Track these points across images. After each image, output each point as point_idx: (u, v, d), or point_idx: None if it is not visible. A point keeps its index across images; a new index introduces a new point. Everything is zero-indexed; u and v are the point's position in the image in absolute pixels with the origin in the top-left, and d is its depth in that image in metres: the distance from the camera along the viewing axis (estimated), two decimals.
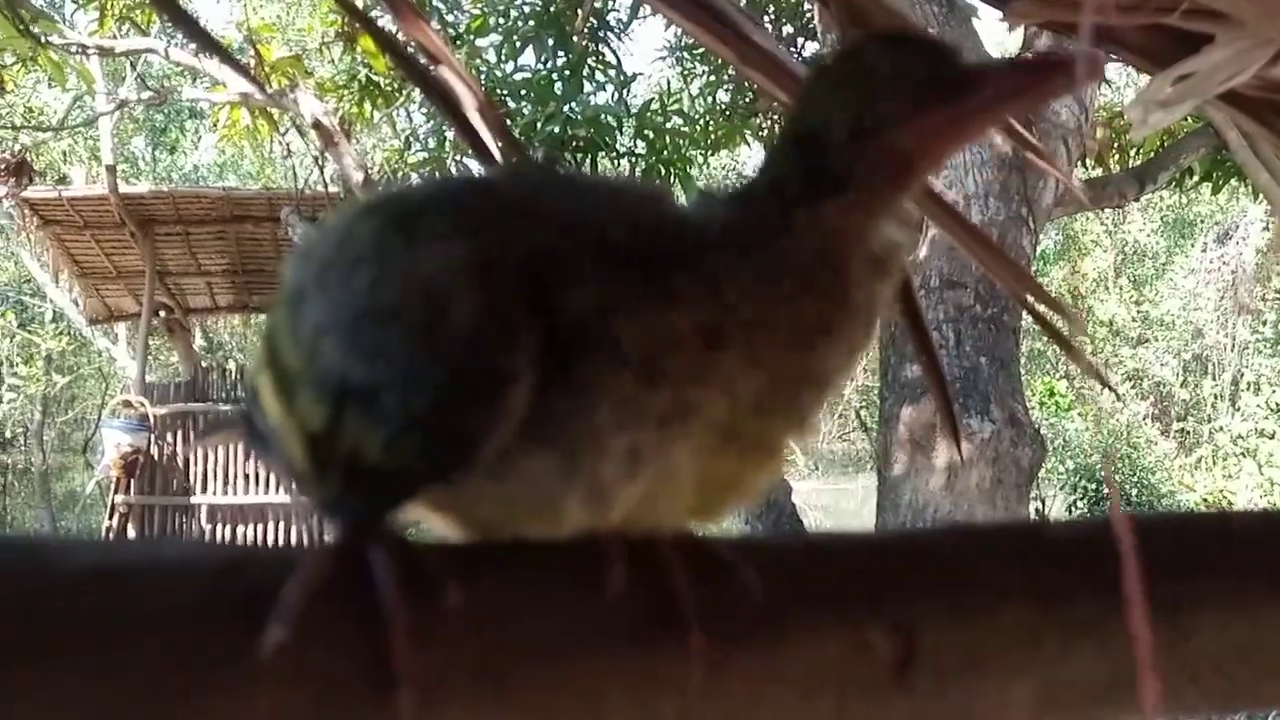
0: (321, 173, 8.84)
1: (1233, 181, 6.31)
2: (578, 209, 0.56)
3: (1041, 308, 2.01)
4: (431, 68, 1.86)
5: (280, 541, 7.98)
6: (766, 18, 6.25)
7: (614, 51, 6.53)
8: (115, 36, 7.86)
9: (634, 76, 6.75)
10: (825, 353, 0.55)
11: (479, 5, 6.52)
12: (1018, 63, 0.58)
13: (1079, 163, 5.35)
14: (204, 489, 8.39)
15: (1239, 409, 11.95)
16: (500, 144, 1.80)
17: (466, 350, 0.51)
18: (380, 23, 2.82)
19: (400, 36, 2.44)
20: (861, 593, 0.59)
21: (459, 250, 0.53)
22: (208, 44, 1.77)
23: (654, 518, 0.57)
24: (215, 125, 8.86)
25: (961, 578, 0.62)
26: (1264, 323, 12.30)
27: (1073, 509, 11.44)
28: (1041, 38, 4.54)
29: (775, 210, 0.55)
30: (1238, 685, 0.68)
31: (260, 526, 8.34)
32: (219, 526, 8.33)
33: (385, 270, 0.55)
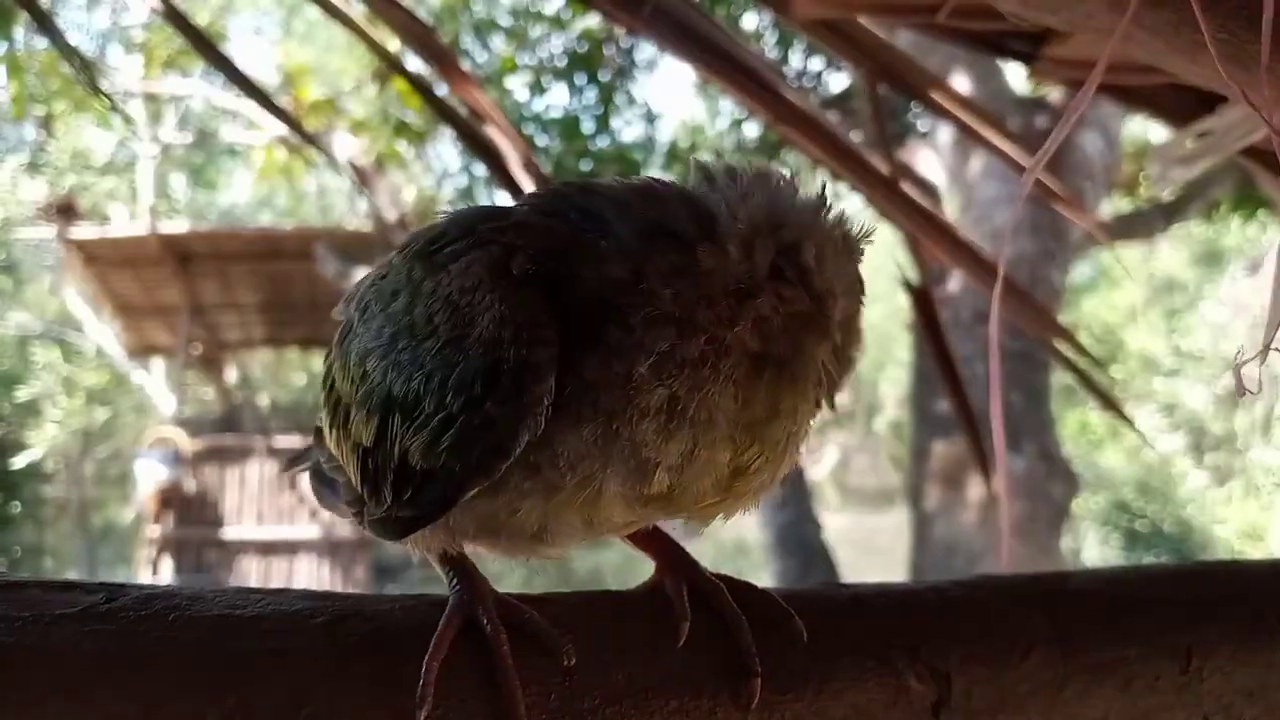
0: (355, 210, 9.02)
1: (1260, 214, 6.30)
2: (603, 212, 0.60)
3: (1066, 348, 2.06)
4: (474, 120, 1.94)
5: (310, 575, 8.10)
6: (789, 50, 6.31)
7: (641, 88, 6.64)
8: (159, 80, 8.10)
9: (661, 114, 6.87)
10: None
11: (510, 45, 6.65)
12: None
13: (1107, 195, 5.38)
14: (237, 522, 8.51)
15: (1271, 441, 11.81)
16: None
17: (493, 350, 0.55)
18: (413, 67, 2.92)
19: (439, 88, 2.53)
20: (900, 641, 0.65)
21: (476, 265, 0.59)
22: (246, 86, 1.86)
23: (693, 493, 0.59)
24: (252, 164, 9.08)
25: (992, 627, 0.68)
26: None
27: (1106, 543, 11.31)
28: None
29: None
30: None
31: (291, 561, 8.43)
32: (251, 560, 8.42)
33: (415, 293, 0.61)
